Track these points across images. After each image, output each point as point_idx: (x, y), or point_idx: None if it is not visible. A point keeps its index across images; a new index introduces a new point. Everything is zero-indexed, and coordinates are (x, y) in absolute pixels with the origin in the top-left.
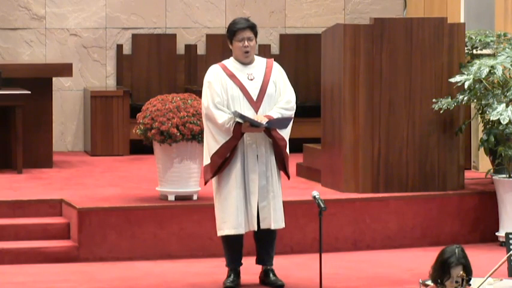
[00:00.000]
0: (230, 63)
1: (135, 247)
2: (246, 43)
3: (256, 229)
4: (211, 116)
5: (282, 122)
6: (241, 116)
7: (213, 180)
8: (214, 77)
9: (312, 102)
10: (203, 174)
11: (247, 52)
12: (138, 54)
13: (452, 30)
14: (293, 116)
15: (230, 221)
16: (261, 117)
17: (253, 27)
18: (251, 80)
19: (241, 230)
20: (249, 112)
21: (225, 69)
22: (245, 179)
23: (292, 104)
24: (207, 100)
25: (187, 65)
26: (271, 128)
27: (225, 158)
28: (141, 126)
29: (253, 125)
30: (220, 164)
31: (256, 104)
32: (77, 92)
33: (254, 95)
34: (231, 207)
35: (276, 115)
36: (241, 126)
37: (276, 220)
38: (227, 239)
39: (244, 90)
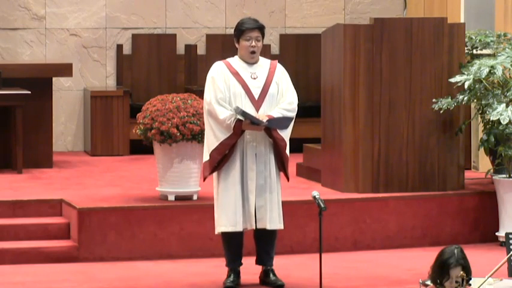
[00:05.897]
0: (235, 61)
1: (135, 247)
2: (254, 43)
3: (254, 228)
4: (213, 112)
5: (282, 122)
6: (243, 113)
7: (214, 178)
8: (217, 73)
9: (312, 102)
10: (202, 170)
11: (253, 52)
12: (138, 54)
13: (452, 30)
14: (294, 117)
15: (228, 218)
16: (262, 116)
17: (262, 28)
18: (254, 78)
19: (238, 228)
20: (250, 111)
21: (229, 66)
22: (243, 177)
23: (294, 106)
24: (209, 95)
25: (187, 65)
26: (271, 127)
27: (224, 155)
28: (141, 126)
29: (254, 122)
30: (218, 161)
31: (257, 103)
32: (77, 92)
33: (256, 94)
34: (229, 204)
35: (277, 115)
36: (242, 124)
37: (272, 221)
38: (226, 237)
39: (247, 88)
